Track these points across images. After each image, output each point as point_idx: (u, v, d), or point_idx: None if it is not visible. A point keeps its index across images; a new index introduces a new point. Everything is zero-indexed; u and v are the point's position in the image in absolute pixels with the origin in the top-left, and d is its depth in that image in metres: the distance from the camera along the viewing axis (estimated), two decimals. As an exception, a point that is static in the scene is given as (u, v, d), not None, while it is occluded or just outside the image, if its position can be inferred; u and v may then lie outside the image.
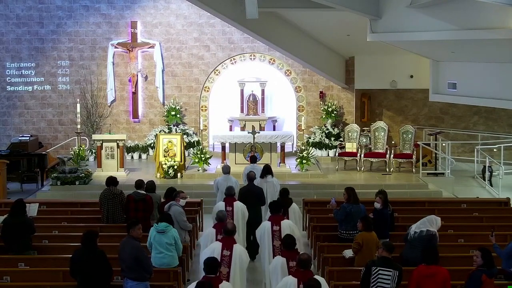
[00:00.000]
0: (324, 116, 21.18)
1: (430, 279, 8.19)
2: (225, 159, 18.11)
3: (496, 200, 14.92)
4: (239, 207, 11.55)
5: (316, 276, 7.81)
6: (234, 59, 21.55)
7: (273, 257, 9.56)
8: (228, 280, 8.77)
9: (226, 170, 13.60)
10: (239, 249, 9.25)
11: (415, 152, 18.77)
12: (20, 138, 20.04)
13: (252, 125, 19.10)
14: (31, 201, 12.90)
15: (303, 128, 20.82)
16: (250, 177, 12.66)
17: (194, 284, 7.56)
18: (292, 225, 10.43)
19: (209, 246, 9.42)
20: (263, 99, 21.17)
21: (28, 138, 20.09)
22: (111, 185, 12.04)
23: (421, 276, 8.25)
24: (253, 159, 14.81)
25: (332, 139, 20.83)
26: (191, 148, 20.26)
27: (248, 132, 18.09)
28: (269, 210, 10.61)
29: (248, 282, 10.35)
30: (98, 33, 21.43)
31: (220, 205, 11.52)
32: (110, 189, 11.99)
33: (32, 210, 11.43)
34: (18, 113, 21.68)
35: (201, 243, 10.32)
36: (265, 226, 10.38)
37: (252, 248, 11.78)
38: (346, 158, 19.34)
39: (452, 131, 20.96)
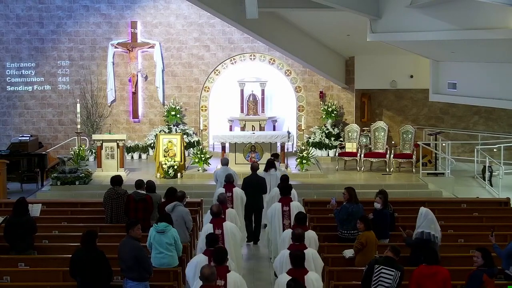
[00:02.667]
0: (324, 116, 21.18)
1: (431, 279, 8.20)
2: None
3: (496, 200, 14.91)
4: (238, 193, 12.81)
5: (309, 249, 9.10)
6: (234, 59, 21.55)
7: None
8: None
9: (224, 162, 14.71)
10: (229, 226, 10.27)
11: (415, 152, 18.77)
12: (20, 138, 20.05)
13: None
14: (31, 201, 12.91)
15: (303, 128, 20.83)
16: (254, 167, 13.79)
17: (200, 256, 8.78)
18: (300, 206, 11.66)
19: (203, 228, 10.40)
20: (263, 99, 21.18)
21: (28, 138, 20.10)
22: (116, 184, 12.00)
23: (422, 276, 8.26)
24: (271, 165, 14.50)
25: (332, 139, 20.83)
26: (191, 148, 20.26)
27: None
28: (280, 193, 11.90)
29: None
30: (98, 33, 21.43)
31: (221, 190, 12.68)
32: (114, 189, 11.95)
33: (35, 210, 11.45)
34: (18, 113, 21.67)
35: (204, 223, 11.15)
36: (276, 207, 11.61)
37: (255, 233, 13.39)
38: (346, 158, 19.34)
39: (452, 131, 20.97)
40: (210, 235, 9.07)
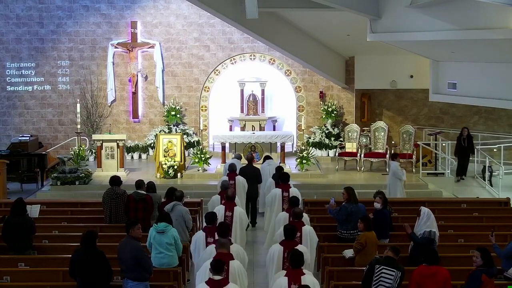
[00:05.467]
0: (324, 116, 21.18)
1: (431, 279, 8.21)
2: (225, 159, 18.11)
3: (496, 200, 14.91)
4: (240, 181, 13.81)
5: (306, 226, 10.21)
6: (234, 59, 21.55)
7: None
8: (230, 236, 10.30)
9: (238, 156, 15.85)
10: (239, 211, 11.36)
11: (415, 152, 18.77)
12: (20, 138, 20.03)
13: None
14: (31, 201, 12.91)
15: (303, 128, 20.82)
16: (249, 158, 15.12)
17: (198, 233, 9.97)
18: (297, 192, 12.61)
19: (215, 208, 11.37)
20: (263, 99, 21.18)
21: (28, 138, 20.08)
22: (114, 185, 12.00)
23: (422, 276, 8.27)
24: (267, 157, 15.92)
25: (332, 139, 20.83)
26: (191, 148, 20.26)
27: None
28: (280, 180, 12.97)
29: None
30: (98, 33, 21.43)
31: (225, 178, 13.75)
32: (113, 189, 11.95)
33: (33, 211, 11.44)
34: (18, 113, 21.67)
35: (208, 207, 12.16)
36: (276, 192, 12.72)
37: (253, 218, 14.56)
38: (346, 158, 19.34)
39: (452, 131, 20.96)
40: (210, 214, 10.20)
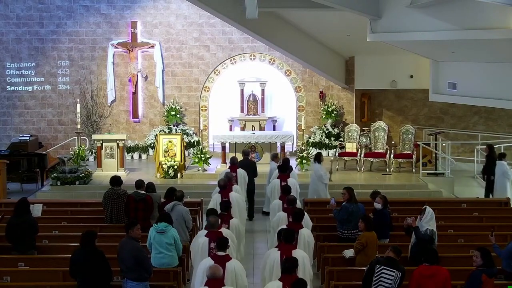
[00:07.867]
0: (324, 116, 21.18)
1: (431, 279, 8.21)
2: (225, 159, 18.11)
3: (496, 200, 14.91)
4: (241, 173, 14.43)
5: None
6: (234, 59, 21.55)
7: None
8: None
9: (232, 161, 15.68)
10: (235, 196, 12.18)
11: (415, 152, 18.76)
12: (20, 138, 20.01)
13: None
14: (32, 201, 12.88)
15: (303, 128, 20.83)
16: (245, 152, 15.77)
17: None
18: (294, 182, 13.41)
19: (213, 197, 12.29)
20: (263, 99, 21.17)
21: (28, 138, 20.06)
22: (115, 185, 11.99)
23: (422, 276, 8.27)
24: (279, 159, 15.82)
25: (332, 139, 20.83)
26: (191, 148, 20.25)
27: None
28: (279, 171, 13.80)
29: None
30: (98, 33, 21.43)
31: (228, 170, 14.22)
32: (114, 189, 11.94)
33: (36, 210, 11.43)
34: (18, 113, 21.67)
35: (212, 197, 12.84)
36: (276, 182, 13.47)
37: (250, 210, 15.10)
38: (346, 158, 19.34)
39: (452, 131, 20.96)
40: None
